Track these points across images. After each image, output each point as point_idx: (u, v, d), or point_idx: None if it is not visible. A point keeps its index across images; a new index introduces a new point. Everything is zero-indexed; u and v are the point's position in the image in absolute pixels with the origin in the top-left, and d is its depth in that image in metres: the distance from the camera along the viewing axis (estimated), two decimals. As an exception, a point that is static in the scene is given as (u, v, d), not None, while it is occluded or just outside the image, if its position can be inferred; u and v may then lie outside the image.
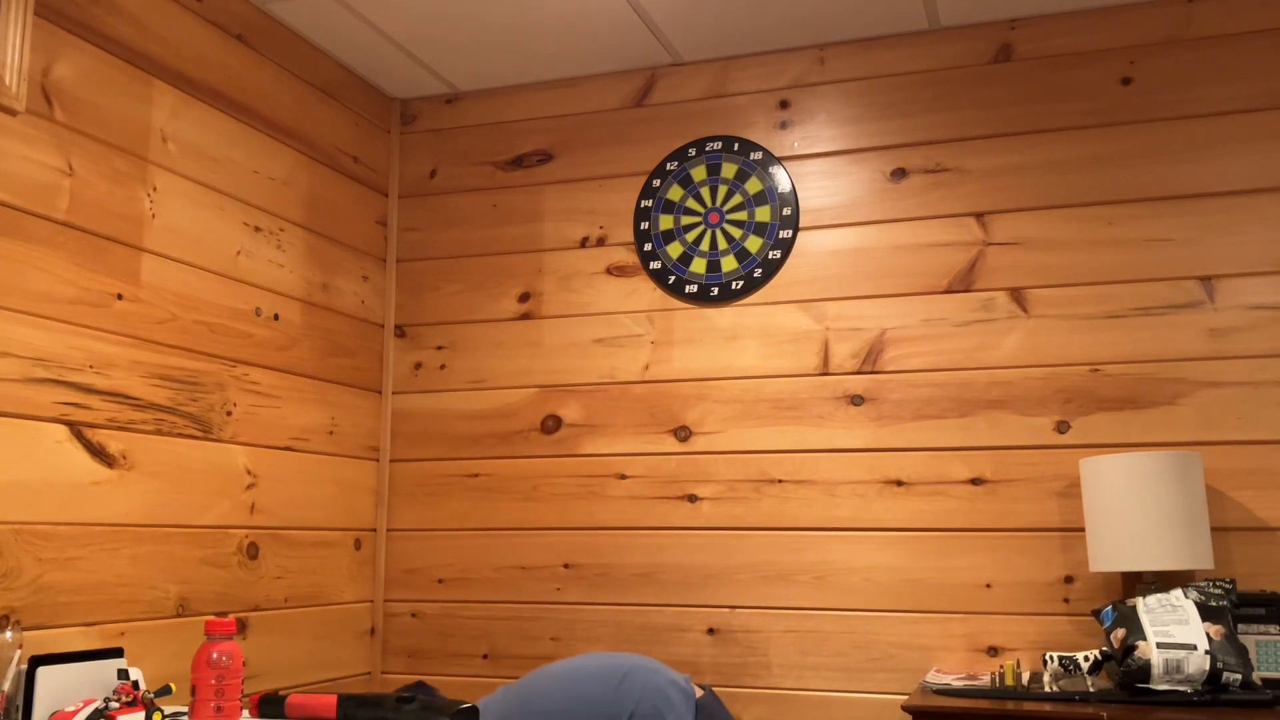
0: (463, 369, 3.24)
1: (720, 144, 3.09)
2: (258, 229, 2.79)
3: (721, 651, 2.89)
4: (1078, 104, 2.81)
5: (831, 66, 3.03)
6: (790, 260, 2.98)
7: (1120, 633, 2.30)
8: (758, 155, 3.05)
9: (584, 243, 3.17)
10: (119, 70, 2.39)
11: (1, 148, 2.11)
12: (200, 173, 2.61)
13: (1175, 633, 2.23)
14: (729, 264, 3.02)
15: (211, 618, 2.13)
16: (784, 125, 3.05)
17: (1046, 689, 2.32)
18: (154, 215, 2.46)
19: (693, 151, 3.11)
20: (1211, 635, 2.22)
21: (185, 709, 2.16)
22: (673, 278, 3.06)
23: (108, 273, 2.33)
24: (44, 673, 1.99)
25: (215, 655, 1.93)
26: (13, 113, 2.11)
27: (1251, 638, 2.34)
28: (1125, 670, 2.25)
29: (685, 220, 3.08)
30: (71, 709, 1.97)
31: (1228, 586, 2.35)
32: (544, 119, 3.27)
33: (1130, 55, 2.79)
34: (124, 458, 2.35)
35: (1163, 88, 2.75)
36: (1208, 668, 2.18)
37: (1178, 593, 2.34)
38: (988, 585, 2.72)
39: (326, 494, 3.01)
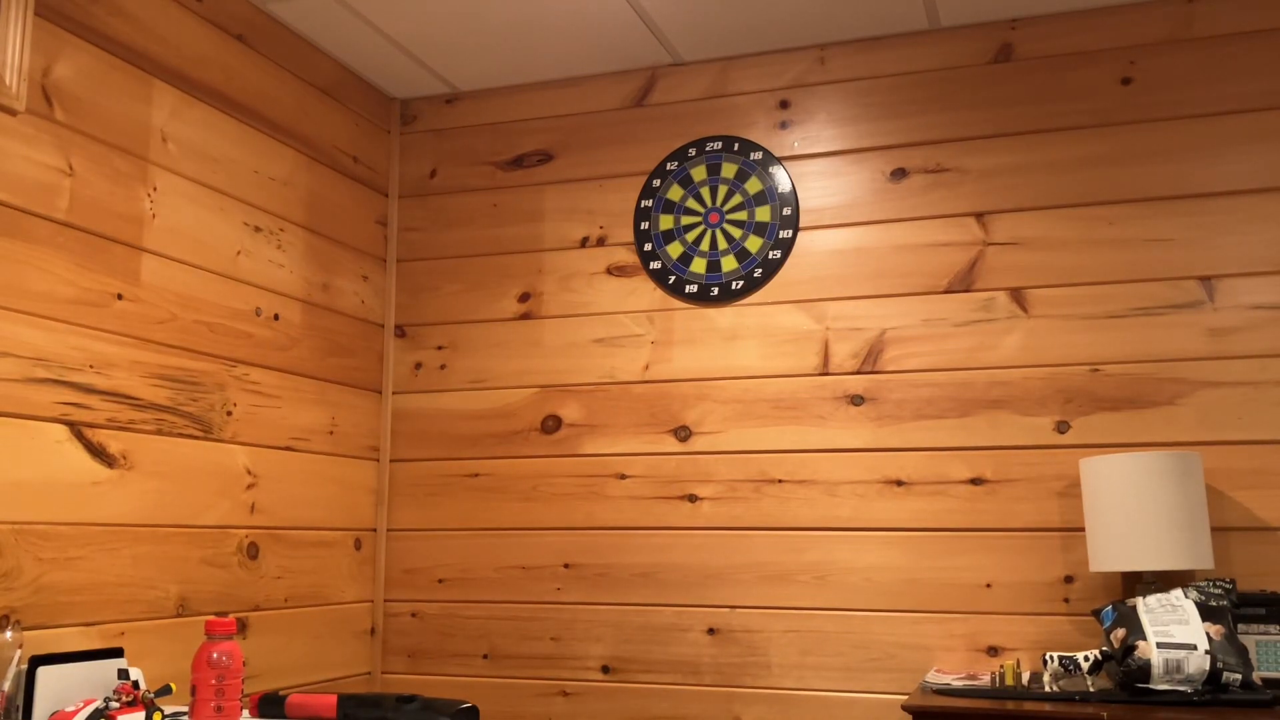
0: (463, 369, 3.23)
1: (720, 144, 3.09)
2: (258, 229, 2.79)
3: (721, 651, 2.89)
4: (1078, 104, 2.81)
5: (832, 66, 3.03)
6: (790, 260, 2.98)
7: (1120, 633, 2.30)
8: (758, 155, 3.05)
9: (584, 243, 3.17)
10: (119, 70, 2.39)
11: (1, 148, 2.11)
12: (200, 173, 2.61)
13: (1175, 633, 2.23)
14: (729, 264, 3.02)
15: (211, 618, 2.13)
16: (784, 125, 3.05)
17: (1046, 689, 2.32)
18: (154, 215, 2.46)
19: (693, 151, 3.11)
20: (1211, 635, 2.22)
21: (185, 709, 2.16)
22: (673, 278, 3.06)
23: (108, 273, 2.33)
24: (44, 673, 1.99)
25: (215, 655, 1.93)
26: (13, 113, 2.11)
27: (1251, 638, 2.34)
28: (1125, 670, 2.25)
29: (685, 220, 3.08)
30: (71, 709, 1.97)
31: (1228, 586, 2.35)
32: (544, 119, 3.27)
33: (1130, 55, 2.79)
34: (124, 458, 2.35)
35: (1163, 88, 2.75)
36: (1208, 668, 2.18)
37: (1178, 593, 2.34)
38: (988, 585, 2.72)
39: (326, 494, 3.01)
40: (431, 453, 3.22)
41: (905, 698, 2.41)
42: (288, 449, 2.86)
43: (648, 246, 3.10)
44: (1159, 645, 2.23)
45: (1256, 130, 2.67)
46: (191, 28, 2.60)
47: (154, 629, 2.40)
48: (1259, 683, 2.23)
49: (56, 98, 2.24)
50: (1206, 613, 2.27)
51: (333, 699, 2.18)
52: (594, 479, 3.06)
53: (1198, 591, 2.33)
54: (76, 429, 2.23)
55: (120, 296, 2.36)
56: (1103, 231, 2.75)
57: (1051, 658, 2.37)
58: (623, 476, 3.04)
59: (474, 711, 2.12)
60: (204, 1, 2.64)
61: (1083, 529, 2.66)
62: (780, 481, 2.91)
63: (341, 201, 3.13)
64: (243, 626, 2.67)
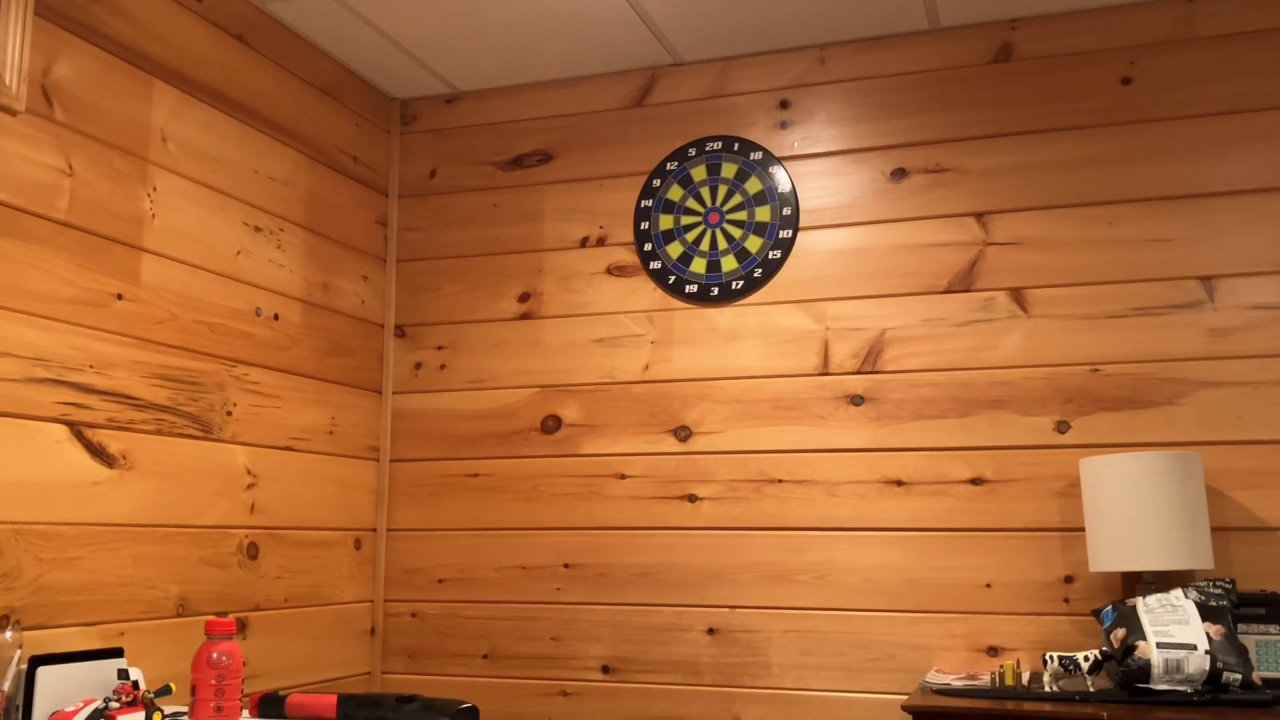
0: (463, 369, 3.23)
1: (720, 144, 3.09)
2: (258, 229, 2.79)
3: (721, 651, 2.89)
4: (1078, 104, 2.81)
5: (832, 66, 3.03)
6: (790, 260, 2.98)
7: (1120, 633, 2.30)
8: (758, 155, 3.05)
9: (584, 243, 3.17)
10: (119, 70, 2.39)
11: (1, 148, 2.11)
12: (200, 173, 2.61)
13: (1175, 633, 2.23)
14: (729, 264, 3.02)
15: (211, 618, 2.13)
16: (784, 125, 3.05)
17: (1046, 689, 2.32)
18: (154, 215, 2.46)
19: (693, 151, 3.11)
20: (1211, 635, 2.22)
21: (185, 709, 2.16)
22: (673, 278, 3.06)
23: (108, 273, 2.33)
24: (44, 673, 1.99)
25: (215, 655, 1.93)
26: (13, 113, 2.11)
27: (1251, 638, 2.34)
28: (1125, 670, 2.25)
29: (685, 220, 3.08)
30: (71, 709, 1.97)
31: (1228, 586, 2.35)
32: (544, 119, 3.27)
33: (1130, 55, 2.79)
34: (124, 458, 2.35)
35: (1163, 88, 2.75)
36: (1208, 668, 2.18)
37: (1178, 593, 2.34)
38: (988, 585, 2.72)
39: (326, 494, 3.01)
40: (431, 453, 3.22)
41: (905, 698, 2.41)
42: (288, 449, 2.86)
43: (648, 246, 3.10)
44: (1159, 645, 2.23)
45: (1256, 130, 2.67)
46: (191, 28, 2.60)
47: (154, 629, 2.40)
48: (1259, 683, 2.23)
49: (56, 98, 2.24)
50: (1206, 613, 2.27)
51: (333, 699, 2.19)
52: (594, 479, 3.06)
53: (1198, 591, 2.33)
54: (76, 429, 2.23)
55: (120, 296, 2.36)
56: (1103, 231, 2.75)
57: (1051, 658, 2.37)
58: (623, 476, 3.04)
59: (474, 711, 2.12)
60: (204, 1, 2.64)
61: (1083, 529, 2.66)
62: (780, 481, 2.91)
63: (341, 201, 3.13)
64: (243, 626, 2.67)
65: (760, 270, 2.99)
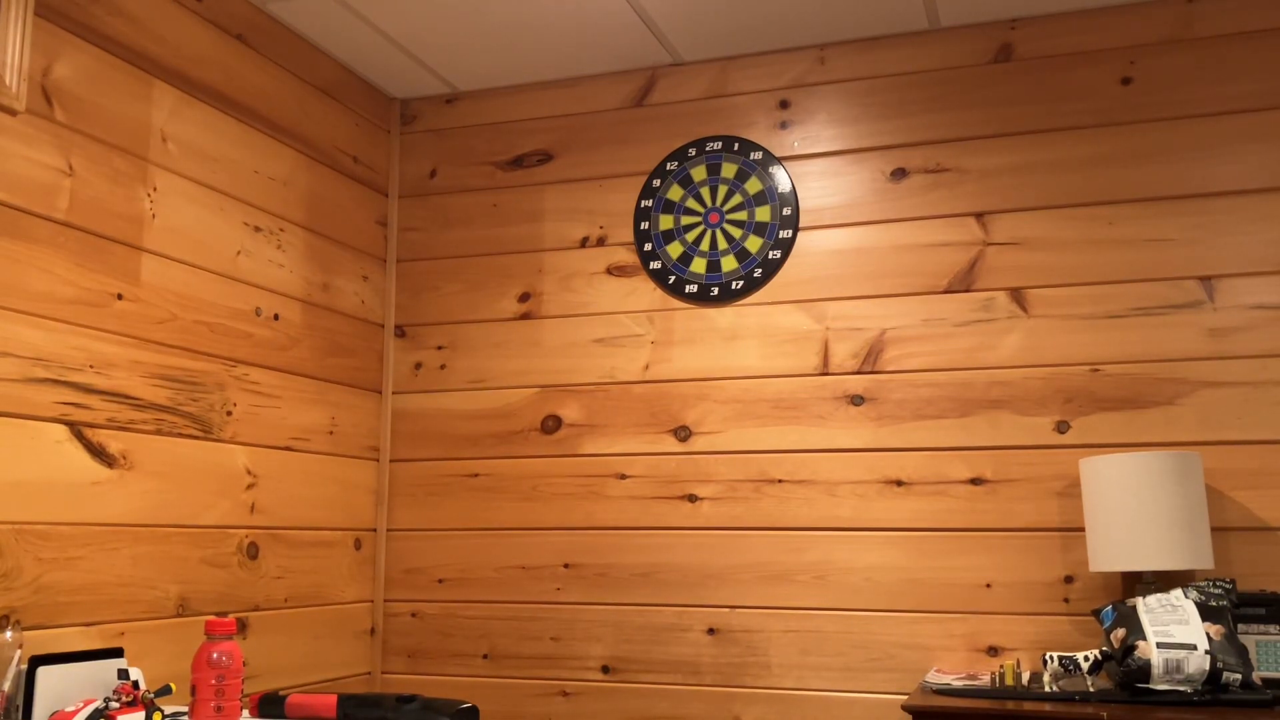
0: (463, 369, 3.23)
1: (720, 144, 3.09)
2: (258, 229, 2.79)
3: (721, 651, 2.89)
4: (1078, 104, 2.81)
5: (831, 66, 3.03)
6: (790, 260, 2.98)
7: (1120, 633, 2.30)
8: (758, 155, 3.05)
9: (584, 243, 3.17)
10: (119, 70, 2.39)
11: (1, 148, 2.11)
12: (200, 173, 2.61)
13: (1175, 633, 2.24)
14: (729, 264, 3.02)
15: (211, 618, 2.13)
16: (784, 125, 3.05)
17: (1046, 689, 2.32)
18: (154, 215, 2.46)
19: (693, 151, 3.11)
20: (1211, 635, 2.22)
21: (185, 709, 2.16)
22: (673, 278, 3.06)
23: (108, 273, 2.33)
24: (44, 673, 1.99)
25: (215, 655, 1.93)
26: (13, 113, 2.11)
27: (1251, 638, 2.34)
28: (1125, 670, 2.25)
29: (685, 220, 3.08)
30: (71, 709, 1.97)
31: (1228, 586, 2.35)
32: (544, 119, 3.27)
33: (1130, 55, 2.79)
34: (124, 458, 2.35)
35: (1163, 88, 2.75)
36: (1208, 668, 2.18)
37: (1178, 593, 2.34)
38: (988, 585, 2.72)
39: (326, 494, 3.01)
40: (431, 453, 3.22)
41: (905, 698, 2.42)
42: (288, 449, 2.86)
43: (648, 246, 3.10)
44: (1159, 645, 2.23)
45: (1256, 130, 2.67)
46: (191, 28, 2.60)
47: (154, 629, 2.40)
48: (1259, 683, 2.23)
49: (56, 98, 2.24)
50: (1206, 613, 2.27)
51: (333, 699, 2.19)
52: (594, 479, 3.06)
53: (1198, 591, 2.33)
54: (76, 429, 2.23)
55: (120, 296, 2.36)
56: (1103, 231, 2.75)
57: (1051, 658, 2.37)
58: (623, 476, 3.04)
59: (474, 711, 2.12)
60: (204, 1, 2.64)
61: (1083, 529, 2.66)
62: (780, 481, 2.91)
63: (341, 201, 3.13)
64: (243, 626, 2.67)
65: (760, 270, 2.99)
